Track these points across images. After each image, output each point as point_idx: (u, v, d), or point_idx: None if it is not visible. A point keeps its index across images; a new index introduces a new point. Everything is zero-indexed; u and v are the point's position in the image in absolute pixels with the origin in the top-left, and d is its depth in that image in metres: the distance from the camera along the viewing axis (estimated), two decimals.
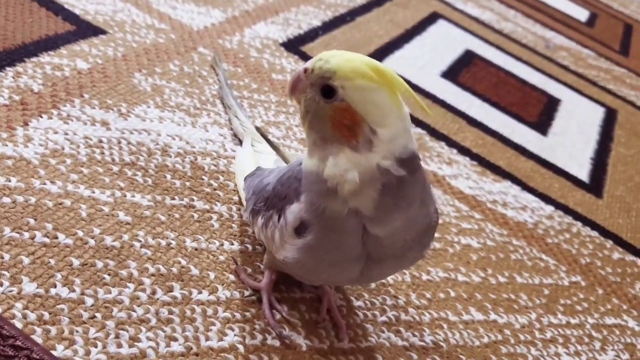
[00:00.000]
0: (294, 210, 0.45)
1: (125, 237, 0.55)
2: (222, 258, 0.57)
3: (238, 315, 0.53)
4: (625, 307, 0.75)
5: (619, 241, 0.85)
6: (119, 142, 0.64)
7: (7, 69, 0.67)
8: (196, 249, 0.57)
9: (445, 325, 0.61)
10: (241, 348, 0.50)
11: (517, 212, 0.82)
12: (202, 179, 0.64)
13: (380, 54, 1.06)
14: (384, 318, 0.59)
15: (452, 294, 0.65)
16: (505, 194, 0.84)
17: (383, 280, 0.62)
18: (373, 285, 0.61)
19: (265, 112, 0.79)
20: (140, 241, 0.55)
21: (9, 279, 0.47)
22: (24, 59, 0.69)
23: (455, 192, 0.80)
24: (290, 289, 0.57)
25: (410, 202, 0.43)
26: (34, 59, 0.70)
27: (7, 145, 0.58)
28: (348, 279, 0.50)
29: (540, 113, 1.10)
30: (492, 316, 0.65)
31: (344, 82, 0.40)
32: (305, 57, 0.95)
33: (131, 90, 0.72)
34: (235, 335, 0.51)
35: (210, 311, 0.52)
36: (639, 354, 0.69)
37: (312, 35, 1.02)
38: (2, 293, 0.46)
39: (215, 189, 0.64)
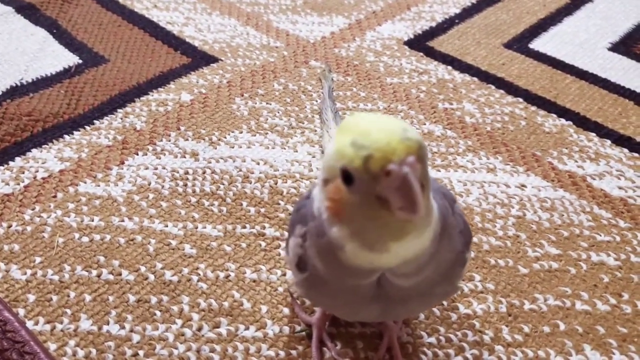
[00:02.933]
0: (292, 245, 0.41)
1: (185, 270, 0.56)
2: (280, 290, 0.55)
3: (282, 354, 0.50)
4: None
5: None
6: (204, 172, 0.66)
7: (118, 110, 0.74)
8: (254, 281, 0.55)
9: None
10: None
11: None
12: (279, 204, 0.63)
13: (529, 34, 0.93)
14: (459, 358, 0.51)
15: (562, 326, 0.54)
16: None
17: (468, 311, 0.54)
18: (454, 317, 0.53)
19: None
20: (199, 274, 0.56)
21: (69, 316, 0.52)
22: (135, 98, 0.75)
23: (597, 195, 0.66)
24: (350, 324, 0.53)
25: (441, 247, 0.37)
26: (143, 98, 0.76)
27: (99, 186, 0.64)
28: (369, 318, 0.44)
29: None
30: (617, 357, 0.52)
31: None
32: (431, 51, 0.87)
33: (227, 117, 0.73)
34: None
35: (253, 349, 0.50)
36: None
37: (445, 26, 0.94)
38: (61, 330, 0.51)
39: (290, 214, 0.62)
